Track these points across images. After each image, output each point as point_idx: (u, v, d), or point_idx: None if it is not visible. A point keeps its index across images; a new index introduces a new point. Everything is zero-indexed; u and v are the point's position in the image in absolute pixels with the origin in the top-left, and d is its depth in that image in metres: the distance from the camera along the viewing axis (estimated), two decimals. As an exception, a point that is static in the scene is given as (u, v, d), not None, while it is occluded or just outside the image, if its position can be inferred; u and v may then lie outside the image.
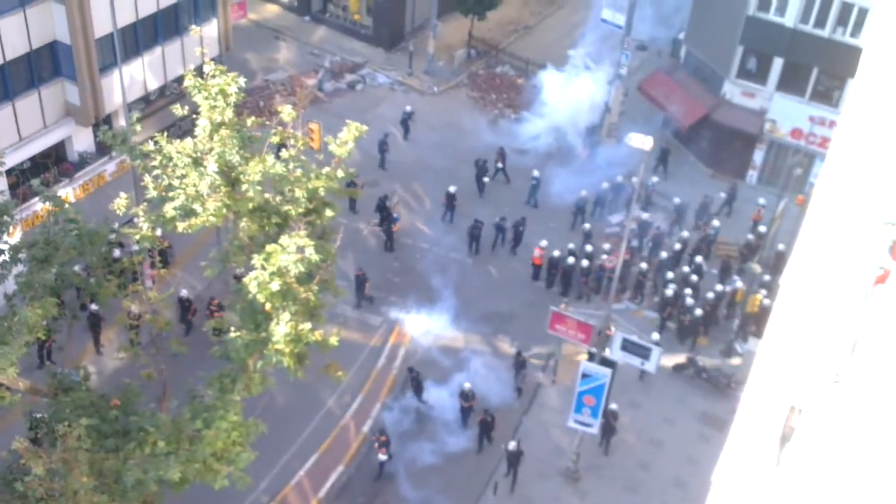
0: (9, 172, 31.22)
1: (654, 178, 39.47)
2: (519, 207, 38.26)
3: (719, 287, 34.13)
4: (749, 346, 30.89)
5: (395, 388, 31.03)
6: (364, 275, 33.17)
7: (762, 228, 36.30)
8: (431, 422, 29.91)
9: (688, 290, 33.52)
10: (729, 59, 39.68)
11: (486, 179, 39.15)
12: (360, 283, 33.06)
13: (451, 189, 37.31)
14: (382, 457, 27.98)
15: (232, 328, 19.46)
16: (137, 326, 24.24)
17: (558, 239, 36.20)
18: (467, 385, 29.81)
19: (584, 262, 34.72)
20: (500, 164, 39.74)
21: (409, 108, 41.90)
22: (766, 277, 33.50)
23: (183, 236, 22.84)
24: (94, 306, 28.76)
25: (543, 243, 35.19)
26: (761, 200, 37.48)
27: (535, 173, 38.85)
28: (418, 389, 30.19)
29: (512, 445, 27.87)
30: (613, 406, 29.04)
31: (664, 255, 35.53)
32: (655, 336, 31.42)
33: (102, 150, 34.35)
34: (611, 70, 42.42)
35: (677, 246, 36.05)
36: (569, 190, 38.42)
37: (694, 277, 34.23)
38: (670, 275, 34.50)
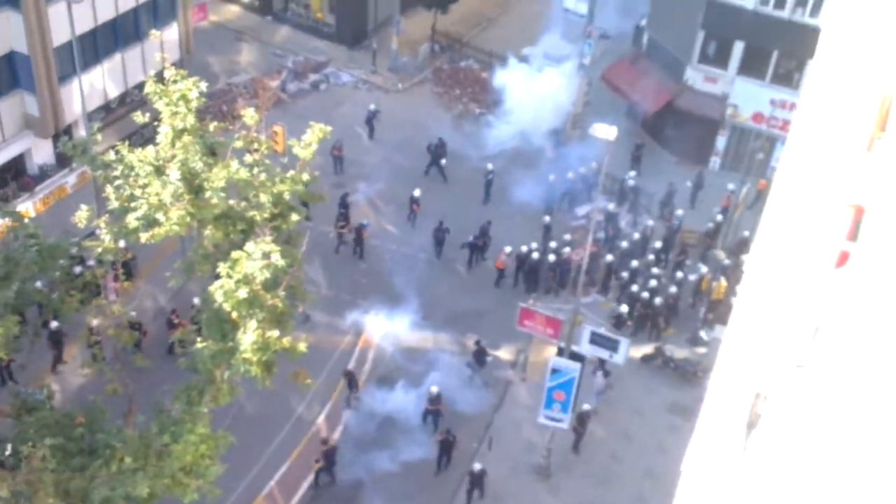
0: (-33, 188, 30.91)
1: (632, 173, 38.87)
2: (482, 207, 38.02)
3: (679, 274, 34.32)
4: (715, 334, 30.97)
5: (363, 392, 30.75)
6: None
7: (719, 216, 36.41)
8: (396, 428, 29.52)
9: (652, 283, 33.56)
10: (690, 44, 39.82)
11: (443, 161, 39.05)
12: None
13: (416, 193, 36.89)
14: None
15: (198, 339, 19.36)
16: (99, 342, 23.90)
17: (524, 235, 36.01)
18: (434, 388, 29.46)
19: (551, 257, 34.54)
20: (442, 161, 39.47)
21: (373, 107, 41.62)
22: (726, 262, 33.42)
23: (146, 247, 22.66)
24: (54, 323, 28.00)
25: (507, 249, 34.50)
26: (731, 186, 37.32)
27: (490, 167, 38.51)
28: (353, 385, 29.92)
29: (477, 467, 27.46)
30: (587, 406, 28.92)
31: (625, 244, 35.42)
32: (623, 308, 31.52)
33: (63, 161, 33.99)
34: (575, 61, 42.38)
35: (636, 236, 35.95)
36: (536, 196, 37.99)
37: (655, 269, 34.24)
38: (634, 263, 34.43)
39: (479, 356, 31.13)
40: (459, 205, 38.05)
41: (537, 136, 40.74)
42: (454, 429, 28.77)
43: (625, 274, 34.07)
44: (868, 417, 11.12)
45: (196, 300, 27.37)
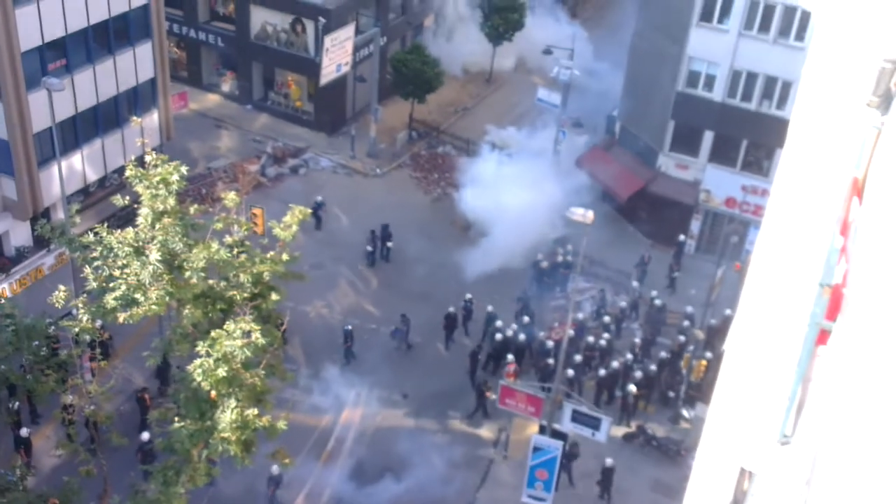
0: (-57, 269, 30.53)
1: (635, 283, 38.38)
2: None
3: (663, 354, 34.42)
4: (697, 412, 30.99)
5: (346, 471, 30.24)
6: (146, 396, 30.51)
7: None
8: None
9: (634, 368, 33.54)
10: (662, 133, 40.89)
11: (389, 244, 39.12)
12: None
13: (451, 309, 35.48)
14: None
15: (176, 418, 19.01)
16: (74, 422, 23.36)
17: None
18: (275, 468, 27.68)
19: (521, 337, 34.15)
20: (388, 244, 39.32)
21: (319, 198, 41.04)
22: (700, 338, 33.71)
23: (124, 326, 22.35)
24: (24, 431, 27.45)
25: (510, 357, 33.06)
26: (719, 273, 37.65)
27: (468, 296, 36.38)
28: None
29: None
30: (609, 461, 28.81)
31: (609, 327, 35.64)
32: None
33: (40, 242, 33.79)
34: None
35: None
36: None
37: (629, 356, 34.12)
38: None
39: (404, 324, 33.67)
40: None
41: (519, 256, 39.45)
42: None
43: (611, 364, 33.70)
44: (855, 493, 11.14)
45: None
